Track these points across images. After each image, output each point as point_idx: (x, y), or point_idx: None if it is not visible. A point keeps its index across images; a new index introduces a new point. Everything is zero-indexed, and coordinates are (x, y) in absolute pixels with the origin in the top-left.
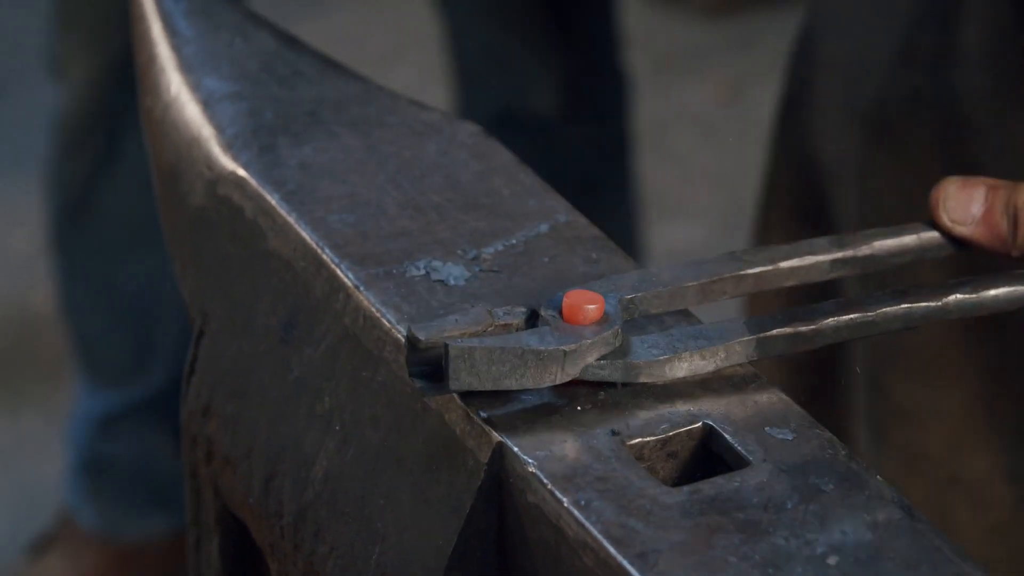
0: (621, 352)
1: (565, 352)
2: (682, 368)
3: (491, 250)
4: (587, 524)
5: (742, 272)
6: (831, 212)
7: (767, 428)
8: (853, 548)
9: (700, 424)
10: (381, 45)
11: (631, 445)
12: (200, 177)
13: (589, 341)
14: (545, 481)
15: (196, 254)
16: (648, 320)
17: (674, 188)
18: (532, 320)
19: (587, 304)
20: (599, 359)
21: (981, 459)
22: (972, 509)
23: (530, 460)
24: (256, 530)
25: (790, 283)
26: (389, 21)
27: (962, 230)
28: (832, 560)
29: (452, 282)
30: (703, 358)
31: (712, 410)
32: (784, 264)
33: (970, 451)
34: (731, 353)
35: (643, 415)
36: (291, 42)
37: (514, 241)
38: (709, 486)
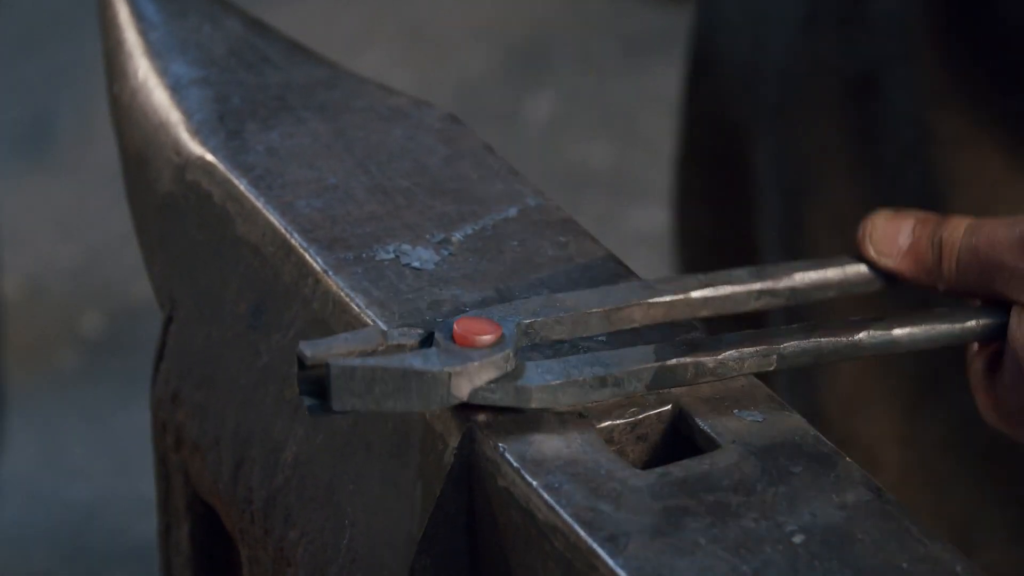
0: (513, 376)
1: (450, 374)
2: (575, 395)
3: (460, 234)
4: (557, 507)
5: (651, 300)
6: (748, 166)
7: (736, 410)
8: (822, 530)
9: (669, 407)
10: (349, 30)
11: (600, 428)
12: (168, 163)
13: (476, 364)
14: (515, 465)
15: (164, 240)
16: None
17: (644, 171)
18: (427, 342)
19: (479, 327)
20: (489, 383)
21: (874, 423)
22: (866, 469)
23: (500, 444)
24: (226, 516)
25: (704, 313)
26: (357, 6)
27: (888, 262)
28: (801, 541)
29: (421, 266)
30: (601, 385)
31: (681, 393)
32: (696, 294)
33: (864, 414)
34: (627, 382)
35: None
36: (259, 27)
37: (483, 225)
38: (679, 469)
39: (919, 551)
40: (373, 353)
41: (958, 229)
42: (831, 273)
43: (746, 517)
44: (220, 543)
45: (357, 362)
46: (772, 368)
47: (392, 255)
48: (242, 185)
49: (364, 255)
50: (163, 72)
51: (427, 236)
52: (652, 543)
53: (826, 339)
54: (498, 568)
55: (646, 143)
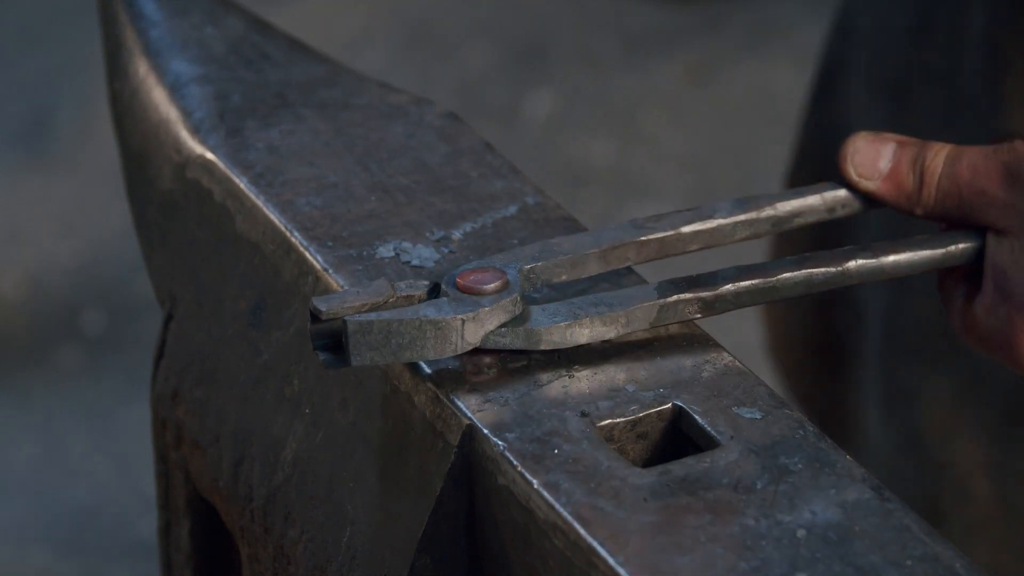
0: (522, 320)
1: (463, 320)
2: (583, 334)
3: (460, 232)
4: (557, 506)
5: (643, 238)
6: None
7: (736, 408)
8: (823, 527)
9: (670, 405)
10: (350, 28)
11: (601, 426)
12: (168, 161)
13: (487, 309)
14: (515, 463)
15: (164, 238)
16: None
17: (644, 168)
18: (434, 293)
19: (485, 275)
20: (500, 327)
21: (970, 448)
22: (957, 500)
23: (500, 442)
24: (226, 514)
25: (695, 247)
26: (357, 4)
27: (868, 185)
28: (801, 539)
29: (421, 264)
30: (604, 324)
31: (681, 391)
32: (686, 229)
33: (960, 439)
34: (632, 319)
35: (613, 396)
36: (259, 25)
37: (483, 223)
38: (679, 467)
39: (920, 549)
40: (384, 305)
41: (939, 156)
42: (811, 199)
43: (746, 515)
44: (220, 541)
45: (373, 316)
46: (766, 300)
47: (392, 253)
48: (242, 183)
49: (364, 253)
50: (163, 70)
51: (427, 234)
52: (652, 541)
53: (816, 269)
54: (498, 566)
55: (646, 141)
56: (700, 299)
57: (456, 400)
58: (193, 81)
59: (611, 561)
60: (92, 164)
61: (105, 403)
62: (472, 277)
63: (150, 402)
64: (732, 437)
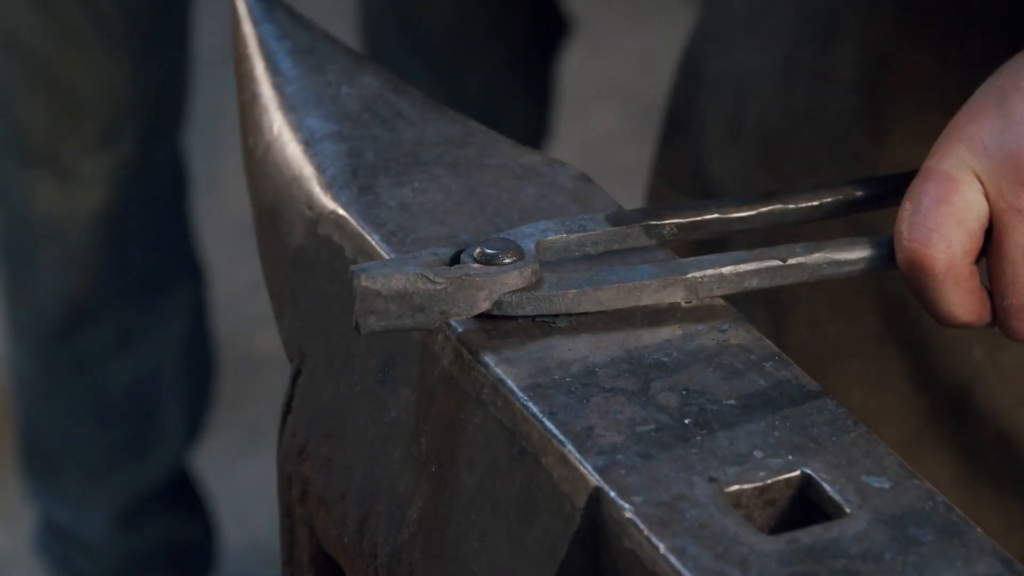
0: (536, 287)
1: (477, 283)
2: (596, 303)
3: None
4: (683, 571)
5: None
6: None
7: (864, 476)
8: None
9: (798, 472)
10: None
11: (728, 492)
12: (300, 217)
13: (501, 272)
14: (641, 527)
15: (295, 293)
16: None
17: None
18: (455, 261)
19: (504, 244)
20: (513, 292)
21: None
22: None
23: (627, 505)
24: (350, 570)
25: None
26: None
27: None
28: None
29: (556, 323)
30: (616, 293)
31: (810, 458)
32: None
33: None
34: (642, 288)
35: (741, 462)
36: (393, 83)
37: None
38: (806, 535)
39: None
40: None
41: None
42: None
43: None
44: None
45: (381, 282)
46: (778, 283)
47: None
48: (373, 240)
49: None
50: (297, 126)
51: None
52: None
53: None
54: None
55: None
56: (722, 276)
57: (584, 462)
58: (327, 138)
59: None
60: (219, 218)
61: (225, 458)
62: (491, 246)
63: (276, 457)
64: (860, 506)
